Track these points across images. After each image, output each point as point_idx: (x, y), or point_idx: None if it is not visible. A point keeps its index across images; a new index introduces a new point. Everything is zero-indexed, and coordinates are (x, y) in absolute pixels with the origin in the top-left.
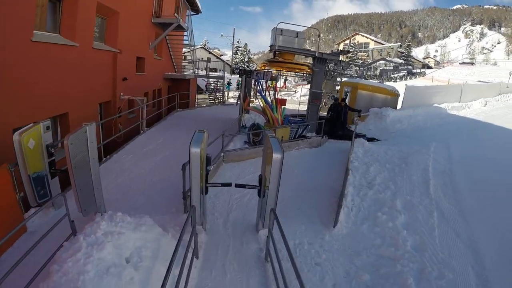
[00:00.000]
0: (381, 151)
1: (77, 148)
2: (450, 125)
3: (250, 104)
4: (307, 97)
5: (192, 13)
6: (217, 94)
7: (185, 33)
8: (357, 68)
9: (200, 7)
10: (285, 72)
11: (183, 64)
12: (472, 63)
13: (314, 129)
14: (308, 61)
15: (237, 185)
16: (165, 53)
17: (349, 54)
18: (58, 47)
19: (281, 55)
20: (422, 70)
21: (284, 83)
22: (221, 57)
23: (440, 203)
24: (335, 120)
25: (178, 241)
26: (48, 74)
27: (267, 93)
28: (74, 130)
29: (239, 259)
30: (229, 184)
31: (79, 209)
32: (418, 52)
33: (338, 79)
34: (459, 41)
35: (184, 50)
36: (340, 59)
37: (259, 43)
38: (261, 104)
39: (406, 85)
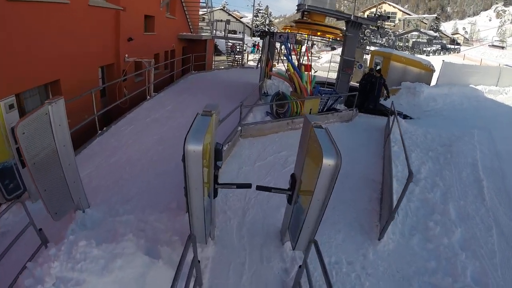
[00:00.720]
0: (419, 133)
1: (35, 138)
2: (488, 110)
3: (273, 69)
4: (331, 64)
5: None
6: (236, 56)
7: None
8: (388, 38)
9: None
10: (313, 36)
11: (200, 25)
12: (503, 47)
13: (343, 101)
14: (339, 25)
15: (259, 188)
16: (179, 12)
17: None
18: (44, 5)
19: (310, 16)
20: (456, 46)
21: (311, 47)
22: (241, 20)
23: (497, 215)
24: (368, 92)
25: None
26: (32, 37)
27: (294, 57)
28: (29, 113)
29: (258, 284)
30: (247, 186)
31: (48, 212)
32: (446, 27)
33: (368, 47)
34: (489, 20)
35: (202, 12)
36: (378, 25)
37: (281, 7)
38: (287, 70)
39: (443, 60)
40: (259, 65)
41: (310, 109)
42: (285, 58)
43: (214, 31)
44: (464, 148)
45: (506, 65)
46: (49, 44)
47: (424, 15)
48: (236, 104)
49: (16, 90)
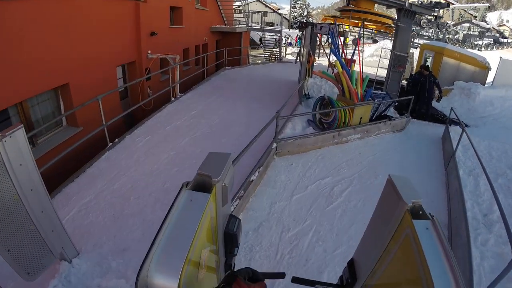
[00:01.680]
0: (481, 149)
1: None
2: None
3: (314, 64)
4: (374, 58)
5: None
6: (273, 50)
7: None
8: (446, 30)
9: None
10: (357, 27)
11: (235, 17)
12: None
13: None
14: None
15: (296, 280)
16: (211, 3)
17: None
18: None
19: (357, 4)
20: (510, 40)
21: (358, 40)
22: (278, 11)
23: None
24: (418, 94)
25: None
26: (34, 36)
27: (342, 53)
28: None
29: None
30: (279, 276)
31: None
32: (491, 18)
33: (416, 40)
34: None
35: (237, 3)
36: (436, 14)
37: None
38: (332, 65)
39: (500, 57)
40: (298, 60)
41: (360, 118)
42: (327, 52)
43: (251, 23)
44: None
45: None
46: (57, 43)
47: (475, 4)
48: (273, 110)
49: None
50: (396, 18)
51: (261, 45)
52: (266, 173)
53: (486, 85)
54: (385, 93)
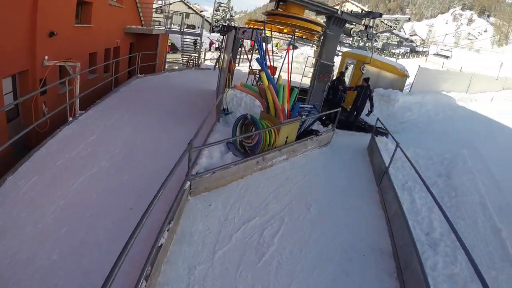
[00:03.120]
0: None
1: None
2: (463, 121)
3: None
4: (295, 64)
5: None
6: (192, 55)
7: None
8: (376, 40)
9: None
10: (285, 32)
11: (154, 17)
12: (447, 56)
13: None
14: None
15: None
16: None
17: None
18: None
19: (287, 8)
20: (425, 49)
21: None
22: (201, 13)
23: None
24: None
25: None
26: None
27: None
28: None
29: None
30: None
31: None
32: (405, 28)
33: (338, 48)
34: (446, 23)
35: (159, 3)
36: (367, 23)
37: (242, 2)
38: (255, 75)
39: (419, 66)
40: (217, 66)
41: (287, 138)
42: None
43: (170, 25)
44: (464, 181)
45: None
46: None
47: (397, 16)
48: (188, 127)
49: None
50: (325, 25)
51: (181, 49)
52: (180, 223)
53: (404, 92)
54: (311, 106)
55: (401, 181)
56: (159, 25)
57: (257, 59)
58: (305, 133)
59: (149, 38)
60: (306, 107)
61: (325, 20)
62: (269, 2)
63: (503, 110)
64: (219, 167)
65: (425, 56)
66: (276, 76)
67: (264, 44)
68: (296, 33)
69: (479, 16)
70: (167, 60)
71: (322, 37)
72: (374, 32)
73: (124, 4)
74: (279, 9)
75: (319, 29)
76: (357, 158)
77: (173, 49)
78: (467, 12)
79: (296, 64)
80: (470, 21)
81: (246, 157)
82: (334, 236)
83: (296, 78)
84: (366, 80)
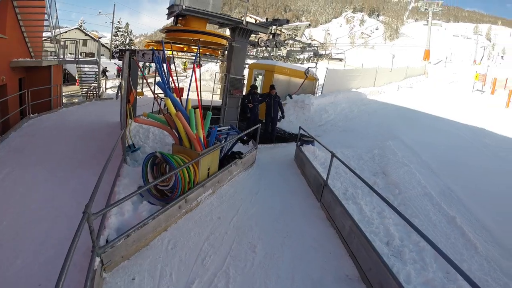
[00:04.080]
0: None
1: None
2: (378, 112)
3: (137, 97)
4: (203, 82)
5: None
6: (91, 85)
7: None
8: (285, 47)
9: None
10: (187, 50)
11: (46, 47)
12: (341, 59)
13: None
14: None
15: None
16: (12, 29)
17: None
18: None
19: (187, 23)
20: (327, 51)
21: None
22: (100, 40)
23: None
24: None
25: None
26: None
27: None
28: None
29: None
30: None
31: None
32: (305, 34)
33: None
34: (340, 26)
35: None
36: (274, 32)
37: (141, 25)
38: (159, 100)
39: (327, 68)
40: (119, 95)
41: (208, 169)
42: (159, 87)
43: (63, 54)
44: (402, 174)
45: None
46: None
47: (297, 23)
48: (89, 177)
49: None
50: (230, 37)
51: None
52: None
53: (316, 95)
54: (229, 127)
55: (341, 190)
56: (51, 55)
57: (158, 83)
58: (227, 158)
59: (41, 71)
60: (223, 129)
61: (229, 32)
62: (167, 18)
63: (408, 96)
64: (134, 227)
65: (328, 58)
66: (184, 98)
67: (165, 64)
68: (200, 50)
69: (369, 16)
70: (66, 93)
71: (227, 51)
72: (282, 39)
73: (8, 34)
74: (179, 25)
75: (224, 42)
76: (287, 173)
77: (73, 80)
78: (358, 14)
79: (203, 82)
80: (362, 21)
81: (165, 203)
82: (293, 277)
83: (205, 97)
84: (273, 87)
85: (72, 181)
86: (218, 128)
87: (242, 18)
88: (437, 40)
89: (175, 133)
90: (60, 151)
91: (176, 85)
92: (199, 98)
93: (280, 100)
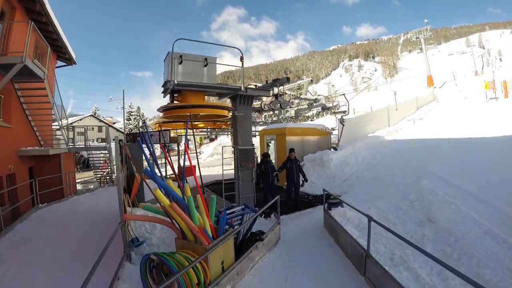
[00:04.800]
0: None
1: None
2: (401, 151)
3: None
4: (215, 157)
5: (63, 63)
6: (104, 170)
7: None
8: (290, 106)
9: (73, 55)
10: (199, 126)
11: (58, 135)
12: (345, 111)
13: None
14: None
15: None
16: (18, 118)
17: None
18: None
19: (184, 98)
20: (335, 103)
21: (186, 144)
22: (114, 125)
23: None
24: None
25: None
26: None
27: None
28: None
29: None
30: None
31: None
32: (310, 91)
33: (253, 128)
34: (340, 76)
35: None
36: (276, 93)
37: (153, 107)
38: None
39: (340, 118)
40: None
41: (222, 262)
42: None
43: (73, 141)
44: (451, 216)
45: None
46: None
47: (299, 82)
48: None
49: None
50: (232, 107)
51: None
52: None
53: (333, 149)
54: (242, 206)
55: (386, 255)
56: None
57: (145, 171)
58: (246, 242)
59: (51, 159)
60: (236, 211)
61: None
62: (164, 96)
63: (426, 126)
64: None
65: (332, 112)
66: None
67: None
68: (200, 125)
69: (365, 60)
70: (83, 179)
71: (232, 122)
72: (286, 99)
73: (14, 123)
74: (176, 102)
75: (225, 112)
76: (319, 246)
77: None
78: (355, 61)
79: (217, 156)
80: (360, 67)
81: None
82: None
83: (220, 172)
84: (292, 150)
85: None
86: (229, 211)
87: (241, 85)
88: (436, 64)
89: (176, 225)
90: (64, 246)
91: (187, 163)
92: (198, 179)
93: (301, 163)
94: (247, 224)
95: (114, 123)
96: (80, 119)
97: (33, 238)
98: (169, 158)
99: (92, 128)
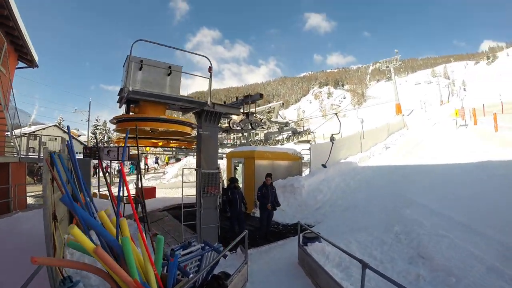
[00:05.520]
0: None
1: None
2: (376, 178)
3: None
4: (180, 178)
5: (23, 65)
6: None
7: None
8: (262, 126)
9: (36, 57)
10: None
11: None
12: (309, 140)
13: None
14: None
15: None
16: None
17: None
18: None
19: (142, 109)
20: (306, 128)
21: (121, 164)
22: (79, 137)
23: None
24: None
25: None
26: None
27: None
28: None
29: None
30: None
31: None
32: (280, 114)
33: (220, 150)
34: (310, 102)
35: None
36: (247, 111)
37: None
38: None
39: (311, 144)
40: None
41: None
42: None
43: (26, 151)
44: (445, 252)
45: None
46: None
47: (270, 104)
48: None
49: None
50: (197, 124)
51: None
52: None
53: (304, 175)
54: (202, 245)
55: None
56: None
57: (62, 199)
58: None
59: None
60: (194, 251)
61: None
62: (119, 107)
63: (399, 153)
64: None
65: (308, 133)
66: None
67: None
68: (166, 143)
69: (335, 88)
70: (36, 192)
71: (196, 141)
72: (259, 118)
73: None
74: (132, 113)
75: (187, 129)
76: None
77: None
78: (324, 88)
79: (184, 177)
80: (329, 94)
81: None
82: None
83: (180, 194)
84: (269, 175)
85: None
86: (183, 252)
87: (207, 99)
88: (403, 93)
89: (111, 279)
90: None
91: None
92: (142, 208)
93: (276, 190)
94: (207, 268)
95: (79, 135)
96: (44, 128)
97: None
98: (125, 177)
99: (55, 138)
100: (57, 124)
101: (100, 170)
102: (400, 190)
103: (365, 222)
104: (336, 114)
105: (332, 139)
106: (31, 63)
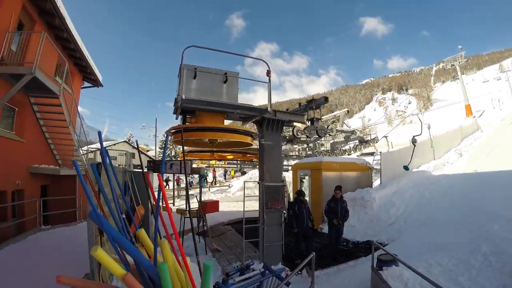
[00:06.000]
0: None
1: None
2: (454, 188)
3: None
4: (248, 191)
5: (88, 84)
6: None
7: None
8: (329, 134)
9: (100, 77)
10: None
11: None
12: (373, 153)
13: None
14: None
15: None
16: (32, 133)
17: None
18: None
19: (199, 119)
20: (374, 136)
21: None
22: (148, 153)
23: None
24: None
25: None
26: None
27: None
28: None
29: None
30: None
31: None
32: (346, 123)
33: (284, 163)
34: (374, 110)
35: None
36: (312, 117)
37: None
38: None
39: (380, 152)
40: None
41: None
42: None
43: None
44: None
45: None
46: None
47: (335, 113)
48: None
49: None
50: (259, 134)
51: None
52: None
53: (374, 187)
54: (261, 270)
55: None
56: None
57: (89, 215)
58: None
59: (66, 180)
60: (252, 277)
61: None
62: (176, 118)
63: (477, 158)
64: None
65: (376, 142)
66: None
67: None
68: (236, 156)
69: (399, 93)
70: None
71: (259, 152)
72: (325, 126)
73: (27, 137)
74: (187, 123)
75: (247, 139)
76: None
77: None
78: (388, 94)
79: (248, 191)
80: (394, 100)
81: None
82: None
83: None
84: (339, 188)
85: None
86: (238, 279)
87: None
88: (470, 92)
89: None
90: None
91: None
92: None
93: (347, 205)
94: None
95: (148, 150)
96: (114, 144)
97: (7, 268)
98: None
99: (124, 153)
100: (127, 140)
101: (160, 183)
102: (481, 201)
103: (445, 239)
104: (417, 115)
105: (414, 141)
106: (95, 82)
